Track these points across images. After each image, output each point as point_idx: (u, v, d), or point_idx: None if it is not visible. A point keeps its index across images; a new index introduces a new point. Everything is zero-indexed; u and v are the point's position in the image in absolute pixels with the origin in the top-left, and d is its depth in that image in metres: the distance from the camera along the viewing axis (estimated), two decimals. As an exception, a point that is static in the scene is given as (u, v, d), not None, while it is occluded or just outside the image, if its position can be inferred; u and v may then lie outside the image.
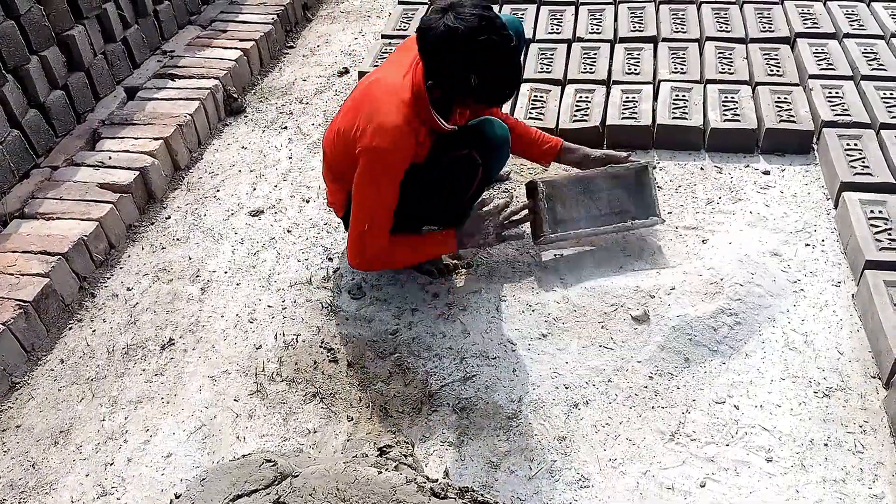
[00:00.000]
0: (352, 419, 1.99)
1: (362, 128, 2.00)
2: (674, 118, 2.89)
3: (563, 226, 2.37)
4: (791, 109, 2.88)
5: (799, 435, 1.87)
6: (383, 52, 3.45)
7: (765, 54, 3.21)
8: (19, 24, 2.71)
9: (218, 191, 2.90)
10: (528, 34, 3.49)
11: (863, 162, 2.58)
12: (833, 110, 2.85)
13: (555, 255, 2.43)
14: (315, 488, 1.49)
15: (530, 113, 2.99)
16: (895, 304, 2.05)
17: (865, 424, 1.88)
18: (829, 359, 2.05)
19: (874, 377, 2.00)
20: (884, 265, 2.18)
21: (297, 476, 1.52)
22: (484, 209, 2.25)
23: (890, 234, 2.28)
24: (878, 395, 1.95)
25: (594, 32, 3.47)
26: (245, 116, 3.35)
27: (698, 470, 1.81)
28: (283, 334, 2.25)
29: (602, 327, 2.18)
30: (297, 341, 2.23)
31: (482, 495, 1.60)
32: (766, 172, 2.75)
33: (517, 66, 1.97)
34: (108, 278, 2.51)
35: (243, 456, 1.76)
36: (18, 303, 2.20)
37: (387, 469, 1.62)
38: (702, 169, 2.80)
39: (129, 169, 2.76)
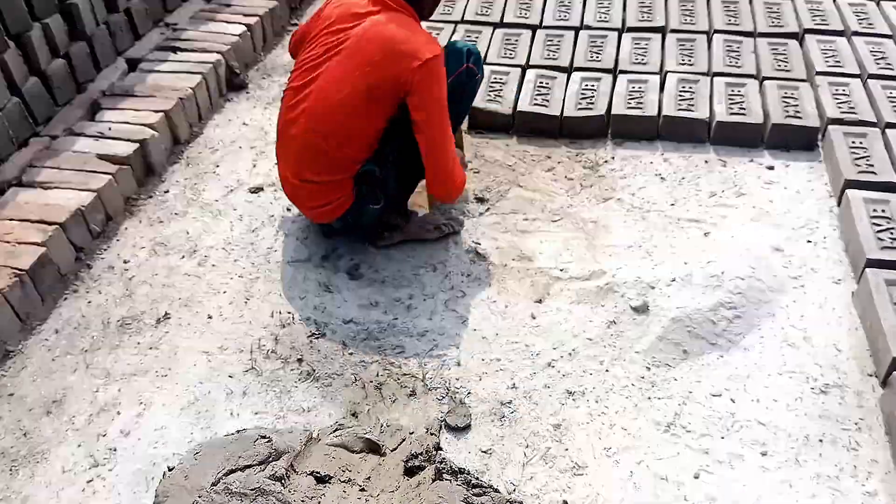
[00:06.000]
0: (346, 399, 1.98)
1: (407, 55, 2.09)
2: (680, 110, 2.88)
3: None
4: (797, 105, 2.86)
5: (794, 430, 1.87)
6: (389, 33, 3.42)
7: (773, 49, 3.19)
8: (22, -9, 2.67)
9: (218, 166, 2.87)
10: (537, 20, 3.47)
11: (867, 160, 2.57)
12: (839, 108, 2.83)
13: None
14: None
15: (535, 100, 2.96)
16: (895, 303, 2.04)
17: (861, 422, 1.88)
18: (827, 356, 2.05)
19: (871, 375, 1.99)
20: (885, 264, 2.18)
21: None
22: None
23: (892, 234, 2.27)
24: (875, 394, 1.95)
25: (602, 20, 3.45)
26: (247, 93, 3.32)
27: (693, 461, 1.81)
28: (280, 312, 2.24)
29: (601, 316, 2.17)
30: (293, 320, 2.21)
31: (476, 478, 1.60)
32: (771, 167, 2.74)
33: None
34: (105, 250, 2.49)
35: (238, 431, 1.75)
36: (14, 271, 2.18)
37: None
38: (706, 162, 2.78)
39: (128, 141, 2.73)
